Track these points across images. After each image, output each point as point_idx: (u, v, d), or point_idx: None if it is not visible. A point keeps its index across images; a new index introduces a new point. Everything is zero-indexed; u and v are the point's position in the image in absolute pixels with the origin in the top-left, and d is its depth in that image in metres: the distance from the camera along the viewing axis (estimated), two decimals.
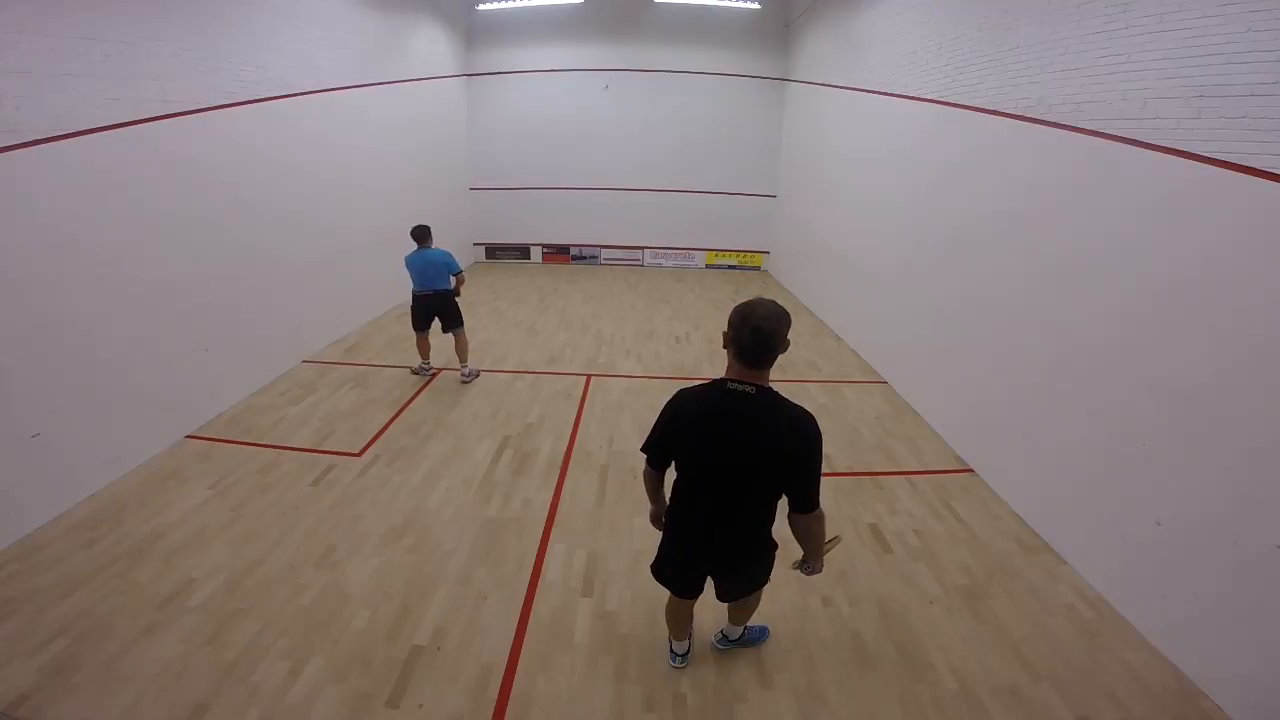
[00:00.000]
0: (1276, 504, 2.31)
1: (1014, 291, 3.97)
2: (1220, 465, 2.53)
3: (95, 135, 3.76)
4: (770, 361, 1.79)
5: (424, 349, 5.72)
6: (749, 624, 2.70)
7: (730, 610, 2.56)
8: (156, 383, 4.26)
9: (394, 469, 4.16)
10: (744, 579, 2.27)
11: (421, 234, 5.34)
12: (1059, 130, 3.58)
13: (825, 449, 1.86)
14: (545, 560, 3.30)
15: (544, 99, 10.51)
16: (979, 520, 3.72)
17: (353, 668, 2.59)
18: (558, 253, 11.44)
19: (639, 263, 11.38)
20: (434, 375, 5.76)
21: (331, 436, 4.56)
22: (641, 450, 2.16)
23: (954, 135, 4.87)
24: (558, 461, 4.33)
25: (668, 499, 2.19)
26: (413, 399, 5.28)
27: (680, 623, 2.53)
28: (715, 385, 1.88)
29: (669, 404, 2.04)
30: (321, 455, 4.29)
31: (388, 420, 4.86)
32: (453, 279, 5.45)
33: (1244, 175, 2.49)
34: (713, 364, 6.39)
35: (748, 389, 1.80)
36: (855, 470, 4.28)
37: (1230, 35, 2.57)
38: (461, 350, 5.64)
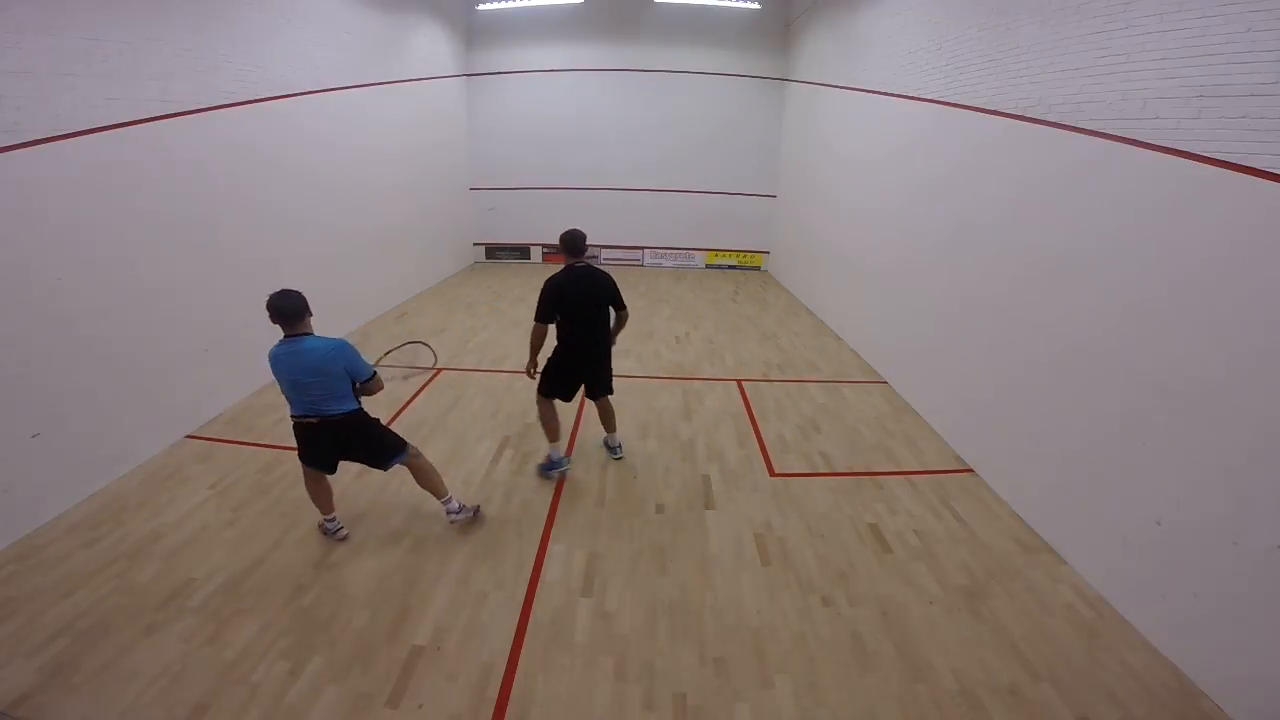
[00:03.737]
0: (1276, 504, 2.31)
1: (1014, 291, 3.97)
2: (1220, 465, 2.53)
3: (95, 135, 3.76)
4: (585, 253, 3.82)
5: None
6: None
7: (603, 420, 4.23)
8: (157, 383, 4.26)
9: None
10: (607, 373, 4.07)
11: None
12: (1059, 130, 3.58)
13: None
14: (545, 560, 3.30)
15: (544, 99, 10.51)
16: (979, 520, 3.72)
17: (353, 668, 2.59)
18: (558, 253, 11.41)
19: (639, 263, 11.38)
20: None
21: None
22: (536, 320, 3.73)
23: (954, 135, 4.87)
24: None
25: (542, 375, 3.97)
26: (413, 399, 5.27)
27: (556, 424, 4.00)
28: (571, 267, 3.77)
29: (552, 286, 3.68)
30: None
31: (388, 420, 4.83)
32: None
33: (1244, 175, 2.49)
34: (712, 364, 6.39)
35: (585, 264, 3.81)
36: (855, 470, 4.28)
37: (1230, 35, 2.56)
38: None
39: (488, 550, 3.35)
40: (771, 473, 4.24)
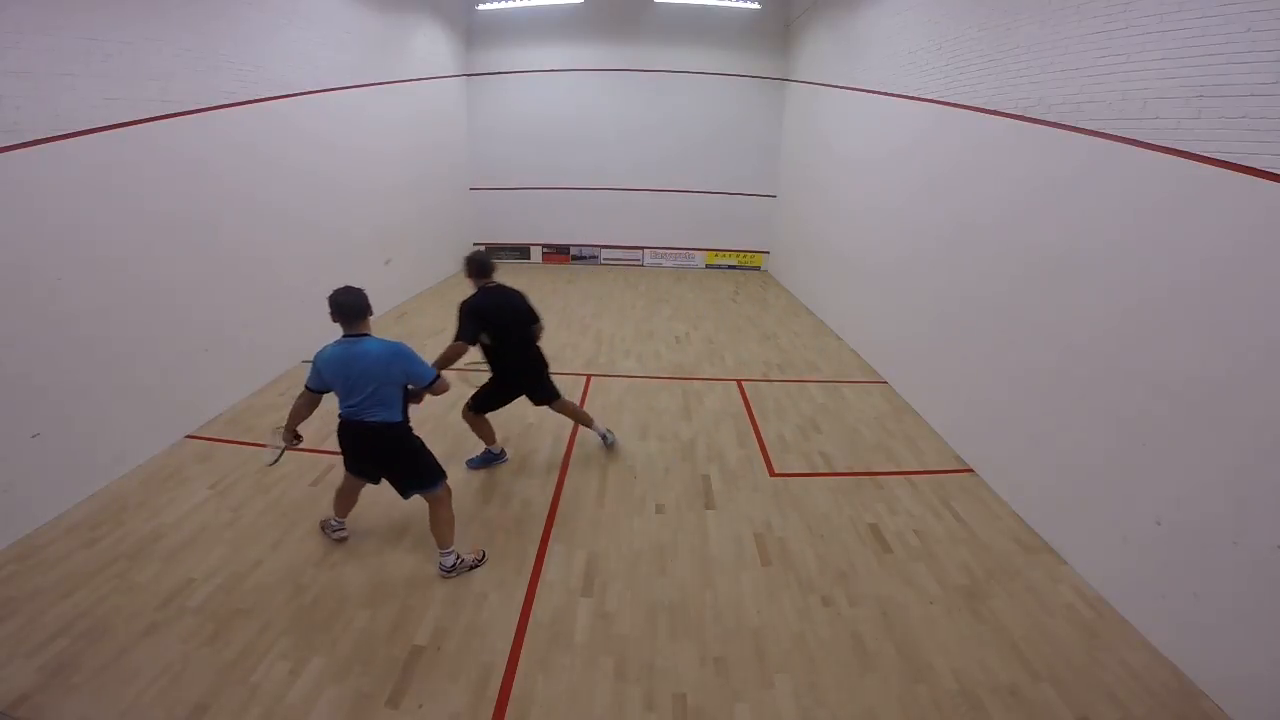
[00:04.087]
0: (1276, 504, 2.31)
1: (1014, 291, 3.97)
2: (1220, 465, 2.53)
3: (95, 135, 3.76)
4: (493, 273, 3.80)
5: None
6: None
7: (577, 419, 4.37)
8: (157, 383, 4.26)
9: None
10: (547, 380, 4.12)
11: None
12: (1059, 130, 3.58)
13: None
14: (545, 560, 3.30)
15: (544, 99, 10.51)
16: (979, 520, 3.72)
17: (353, 668, 2.59)
18: (558, 252, 11.44)
19: (639, 263, 11.37)
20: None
21: (332, 436, 4.53)
22: (457, 339, 3.54)
23: (954, 135, 4.87)
24: (558, 461, 4.33)
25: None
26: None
27: (491, 430, 4.13)
28: (492, 287, 3.76)
29: (476, 311, 3.60)
30: (322, 455, 4.27)
31: None
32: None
33: (1244, 175, 2.49)
34: (712, 364, 6.39)
35: (501, 285, 3.81)
36: (855, 470, 4.28)
37: (1230, 35, 2.56)
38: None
39: (488, 550, 3.35)
40: (771, 473, 4.24)
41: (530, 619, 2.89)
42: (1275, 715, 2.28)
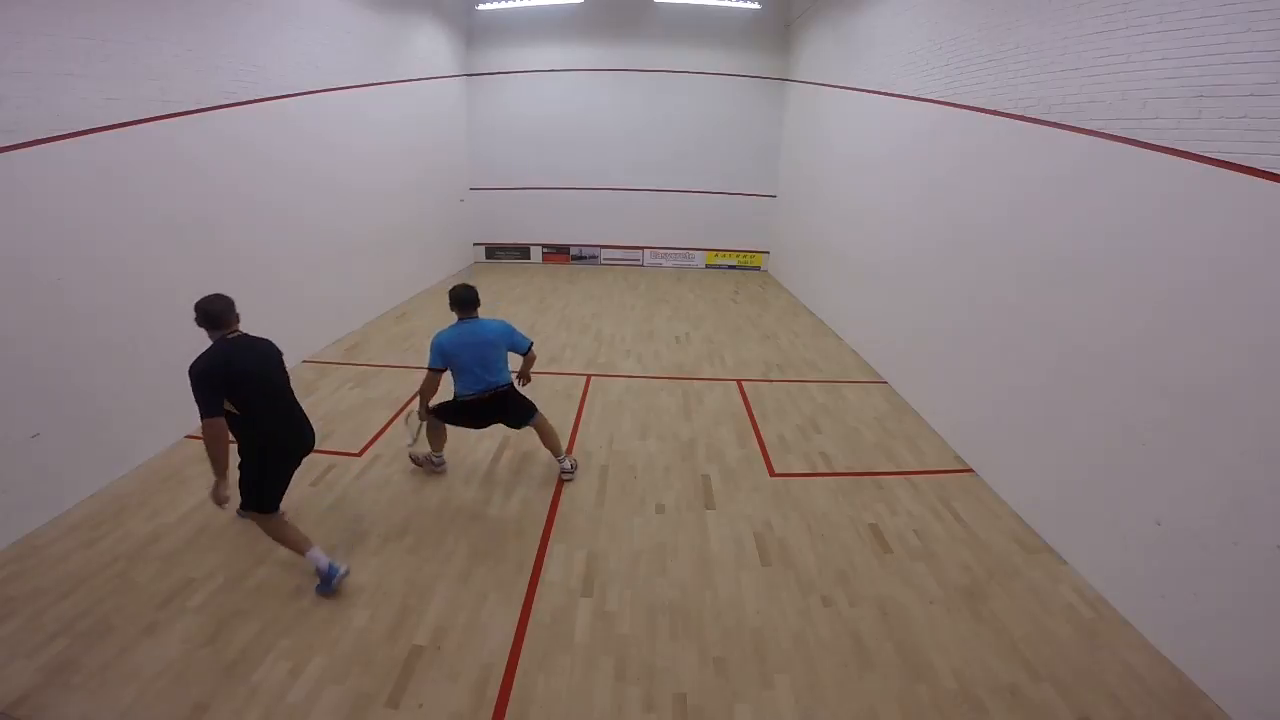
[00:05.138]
0: (1276, 504, 2.31)
1: (1014, 291, 3.97)
2: (1220, 465, 2.53)
3: (95, 135, 3.76)
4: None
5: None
6: None
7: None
8: (156, 383, 4.24)
9: (394, 469, 4.16)
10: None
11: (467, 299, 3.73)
12: (1059, 130, 3.58)
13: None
14: (545, 560, 3.30)
15: (544, 99, 10.52)
16: (979, 520, 3.72)
17: (353, 668, 2.59)
18: (558, 253, 11.44)
19: (639, 263, 11.38)
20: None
21: (332, 436, 4.56)
22: (216, 415, 2.65)
23: (954, 135, 4.87)
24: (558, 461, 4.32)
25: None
26: (413, 398, 5.26)
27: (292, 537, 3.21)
28: (233, 337, 2.86)
29: (205, 375, 2.66)
30: (321, 455, 4.27)
31: (388, 420, 4.85)
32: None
33: (1244, 175, 2.49)
34: (712, 364, 6.39)
35: (246, 334, 2.97)
36: (855, 470, 4.28)
37: (1230, 35, 2.57)
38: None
39: (488, 550, 3.35)
40: (771, 473, 4.24)
41: (530, 619, 2.89)
42: (1275, 715, 2.28)
